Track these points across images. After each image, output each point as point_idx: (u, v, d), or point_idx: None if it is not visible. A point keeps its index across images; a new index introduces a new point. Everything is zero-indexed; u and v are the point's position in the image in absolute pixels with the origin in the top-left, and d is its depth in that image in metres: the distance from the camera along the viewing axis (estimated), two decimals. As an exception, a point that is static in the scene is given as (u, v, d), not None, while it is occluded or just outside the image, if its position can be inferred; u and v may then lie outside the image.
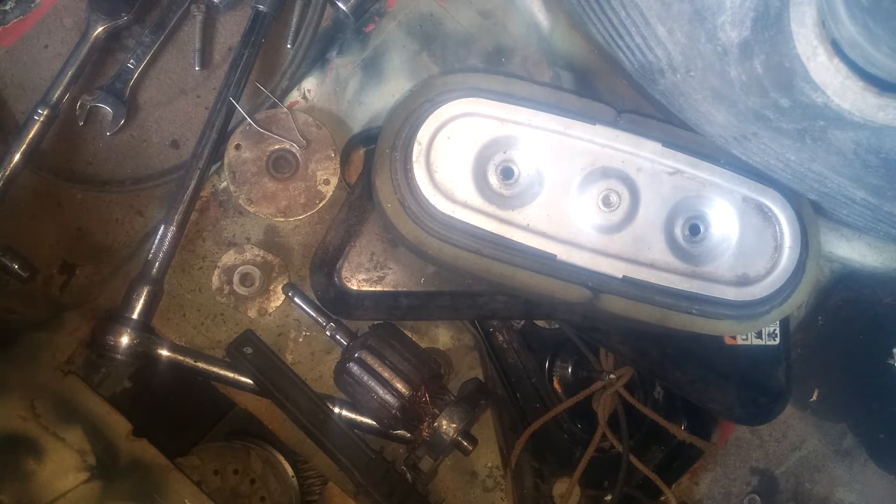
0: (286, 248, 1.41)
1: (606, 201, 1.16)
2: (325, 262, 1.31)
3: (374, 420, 1.36)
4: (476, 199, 1.15)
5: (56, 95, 1.26)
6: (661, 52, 1.02)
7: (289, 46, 1.36)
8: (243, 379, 1.36)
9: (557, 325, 1.46)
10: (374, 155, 1.20)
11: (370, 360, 1.28)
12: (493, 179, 1.17)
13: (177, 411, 1.65)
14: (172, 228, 1.27)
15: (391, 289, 1.31)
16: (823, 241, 1.31)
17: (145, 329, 1.29)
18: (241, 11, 1.38)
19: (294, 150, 1.36)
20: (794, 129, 0.94)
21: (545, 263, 1.15)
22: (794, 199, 1.20)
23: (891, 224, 1.12)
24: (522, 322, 1.44)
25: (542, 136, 1.16)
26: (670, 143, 1.18)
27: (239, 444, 1.61)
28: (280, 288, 1.39)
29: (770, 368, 1.39)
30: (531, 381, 1.45)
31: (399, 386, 1.27)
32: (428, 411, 1.29)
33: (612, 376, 1.40)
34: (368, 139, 1.41)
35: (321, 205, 1.38)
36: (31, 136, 1.25)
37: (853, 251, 1.43)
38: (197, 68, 1.37)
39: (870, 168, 0.94)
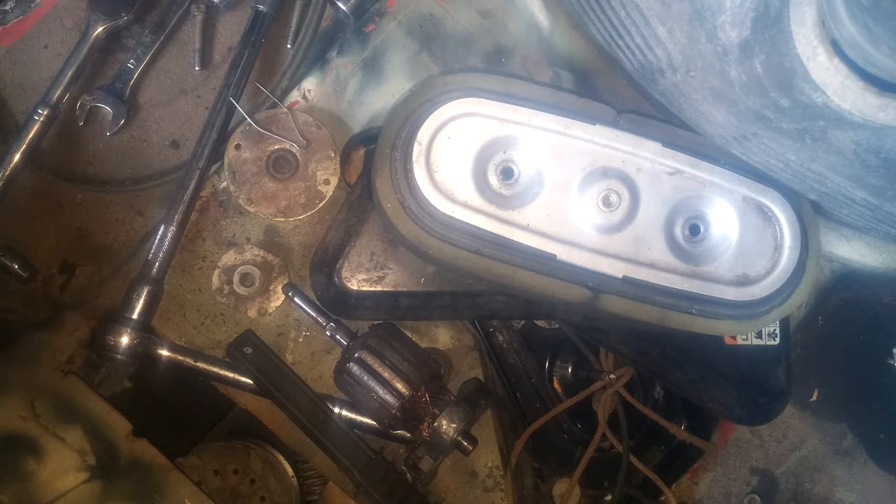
0: (286, 248, 1.41)
1: (606, 201, 1.16)
2: (325, 262, 1.31)
3: (374, 420, 1.36)
4: (476, 199, 1.15)
5: (56, 95, 1.26)
6: (661, 52, 1.02)
7: (289, 46, 1.36)
8: (243, 379, 1.36)
9: (557, 325, 1.46)
10: (374, 155, 1.20)
11: (370, 360, 1.28)
12: (493, 179, 1.17)
13: (177, 411, 1.65)
14: (172, 228, 1.27)
15: (391, 289, 1.31)
16: (823, 241, 1.31)
17: (145, 329, 1.29)
18: (241, 11, 1.38)
19: (294, 150, 1.36)
20: (794, 129, 0.94)
21: (545, 263, 1.15)
22: (794, 199, 1.20)
23: (891, 224, 1.12)
24: (522, 322, 1.44)
25: (542, 136, 1.16)
26: (670, 143, 1.18)
27: (239, 444, 1.61)
28: (280, 288, 1.39)
29: (770, 368, 1.39)
30: (531, 381, 1.45)
31: (399, 386, 1.27)
32: (428, 411, 1.29)
33: (612, 376, 1.40)
34: (368, 139, 1.41)
35: (321, 205, 1.38)
36: (31, 136, 1.25)
37: (853, 251, 1.43)
38: (197, 68, 1.37)
39: (870, 168, 0.94)
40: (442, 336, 1.47)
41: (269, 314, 1.41)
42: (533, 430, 1.40)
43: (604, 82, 1.37)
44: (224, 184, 1.38)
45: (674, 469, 1.51)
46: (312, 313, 1.36)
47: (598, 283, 1.16)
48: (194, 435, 1.73)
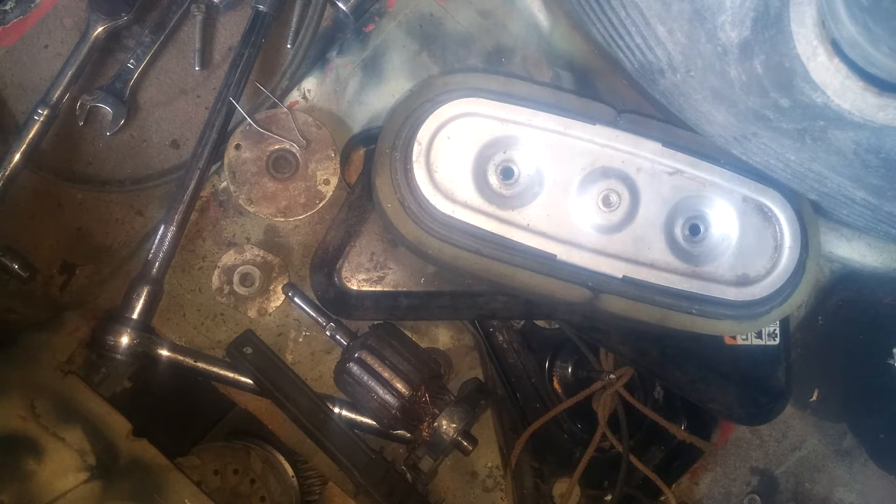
0: (286, 248, 1.41)
1: (606, 201, 1.16)
2: (325, 262, 1.31)
3: (374, 420, 1.36)
4: (476, 199, 1.15)
5: (56, 95, 1.26)
6: (661, 52, 1.02)
7: (289, 46, 1.36)
8: (243, 379, 1.36)
9: (557, 325, 1.46)
10: (374, 155, 1.20)
11: (370, 360, 1.28)
12: (493, 179, 1.17)
13: (177, 411, 1.65)
14: (172, 228, 1.27)
15: (391, 289, 1.31)
16: (823, 241, 1.31)
17: (145, 329, 1.29)
18: (241, 11, 1.38)
19: (294, 150, 1.36)
20: (794, 129, 0.94)
21: (545, 263, 1.15)
22: (794, 199, 1.20)
23: (891, 224, 1.12)
24: (522, 322, 1.44)
25: (542, 136, 1.16)
26: (670, 143, 1.18)
27: (239, 444, 1.61)
28: (280, 288, 1.39)
29: (770, 368, 1.39)
30: (531, 381, 1.45)
31: (399, 386, 1.27)
32: (428, 411, 1.29)
33: (612, 376, 1.40)
34: (368, 139, 1.41)
35: (321, 205, 1.38)
36: (31, 136, 1.25)
37: (853, 251, 1.43)
38: (197, 68, 1.37)
39: (870, 168, 0.94)
40: (442, 336, 1.47)
41: (269, 314, 1.41)
42: (533, 430, 1.40)
43: (604, 82, 1.37)
44: (224, 184, 1.38)
45: (674, 469, 1.51)
46: (312, 313, 1.36)
47: (598, 283, 1.16)
48: (194, 435, 1.73)
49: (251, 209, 1.36)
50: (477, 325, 1.43)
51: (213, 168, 1.36)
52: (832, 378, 1.52)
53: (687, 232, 1.20)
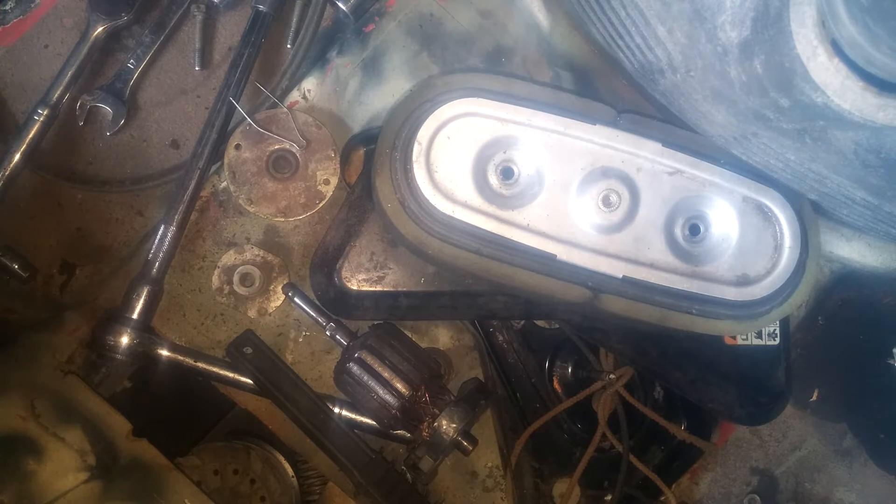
0: (286, 248, 1.41)
1: (606, 201, 1.16)
2: (325, 262, 1.31)
3: (374, 420, 1.36)
4: (476, 199, 1.15)
5: (56, 95, 1.26)
6: (661, 52, 1.02)
7: (289, 46, 1.36)
8: (243, 379, 1.36)
9: (557, 325, 1.46)
10: (374, 155, 1.20)
11: (370, 360, 1.28)
12: (493, 179, 1.17)
13: (177, 411, 1.65)
14: (172, 228, 1.27)
15: (391, 289, 1.31)
16: (823, 241, 1.31)
17: (145, 329, 1.29)
18: (241, 11, 1.38)
19: (294, 150, 1.36)
20: (794, 129, 0.94)
21: (545, 263, 1.15)
22: (794, 199, 1.20)
23: (891, 224, 1.12)
24: (522, 322, 1.44)
25: (542, 136, 1.16)
26: (670, 143, 1.18)
27: (239, 444, 1.61)
28: (280, 288, 1.39)
29: (770, 368, 1.39)
30: (531, 381, 1.45)
31: (399, 386, 1.27)
32: (428, 411, 1.29)
33: (612, 376, 1.40)
34: (368, 139, 1.41)
35: (321, 205, 1.38)
36: (31, 136, 1.25)
37: (853, 251, 1.43)
38: (197, 68, 1.37)
39: (870, 168, 0.94)
40: (442, 336, 1.47)
41: (269, 314, 1.41)
42: (533, 430, 1.40)
43: (604, 82, 1.37)
44: (224, 184, 1.38)
45: (674, 469, 1.51)
46: (312, 313, 1.36)
47: (598, 283, 1.16)
48: (194, 435, 1.73)
49: (251, 209, 1.36)
50: (477, 325, 1.43)
51: (213, 168, 1.36)
52: (832, 378, 1.52)
53: (687, 232, 1.20)
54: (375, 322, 1.38)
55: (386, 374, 1.27)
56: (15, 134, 1.26)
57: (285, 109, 1.36)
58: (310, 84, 1.40)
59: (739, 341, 1.39)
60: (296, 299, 1.37)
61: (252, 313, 1.40)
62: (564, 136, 1.16)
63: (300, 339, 1.43)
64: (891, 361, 1.39)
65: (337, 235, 1.32)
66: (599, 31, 1.15)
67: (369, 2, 1.38)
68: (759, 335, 1.39)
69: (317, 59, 1.39)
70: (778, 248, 1.20)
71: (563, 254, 1.15)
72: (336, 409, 1.38)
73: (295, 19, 1.35)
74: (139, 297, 1.27)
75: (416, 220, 1.14)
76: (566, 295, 1.16)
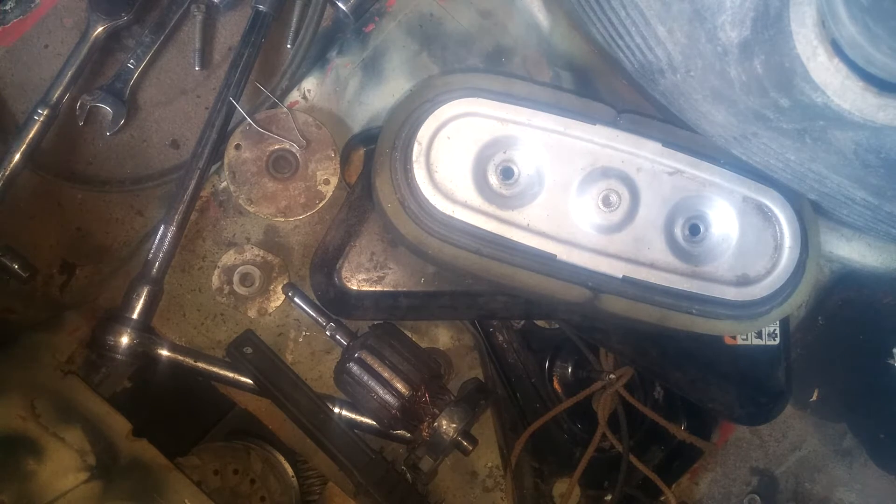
0: (286, 248, 1.41)
1: (606, 201, 1.16)
2: (325, 262, 1.31)
3: (374, 420, 1.36)
4: (476, 199, 1.15)
5: (56, 95, 1.26)
6: (661, 52, 1.02)
7: (289, 46, 1.36)
8: (243, 379, 1.36)
9: (557, 325, 1.46)
10: (374, 155, 1.20)
11: (370, 360, 1.28)
12: (493, 179, 1.17)
13: (177, 411, 1.65)
14: (172, 228, 1.27)
15: (391, 289, 1.31)
16: (823, 241, 1.31)
17: (145, 329, 1.29)
18: (241, 11, 1.38)
19: (294, 150, 1.36)
20: (794, 129, 0.94)
21: (545, 263, 1.15)
22: (794, 199, 1.20)
23: (891, 224, 1.12)
24: (522, 322, 1.44)
25: (542, 136, 1.16)
26: (670, 143, 1.18)
27: (239, 444, 1.61)
28: (280, 288, 1.39)
29: (770, 368, 1.39)
30: (531, 381, 1.45)
31: (399, 386, 1.27)
32: (428, 411, 1.29)
33: (612, 376, 1.40)
34: (368, 139, 1.41)
35: (321, 205, 1.38)
36: (31, 136, 1.25)
37: (853, 251, 1.43)
38: (197, 68, 1.37)
39: (870, 168, 0.94)
40: (442, 336, 1.47)
41: (269, 314, 1.41)
42: (533, 430, 1.40)
43: (604, 82, 1.37)
44: (224, 184, 1.38)
45: (674, 469, 1.51)
46: (312, 313, 1.36)
47: (598, 283, 1.16)
48: (194, 435, 1.73)
49: (251, 209, 1.36)
50: (477, 325, 1.43)
51: (213, 168, 1.36)
52: (832, 378, 1.52)
53: (687, 232, 1.20)
54: (375, 322, 1.38)
55: (386, 374, 1.27)
56: (15, 134, 1.26)
57: (285, 109, 1.36)
58: (310, 84, 1.40)
59: (739, 341, 1.39)
60: (296, 299, 1.37)
61: (252, 313, 1.40)
62: (564, 136, 1.16)
63: (300, 339, 1.43)
64: (891, 361, 1.39)
65: (337, 235, 1.32)
66: (599, 31, 1.15)
67: (369, 2, 1.38)
68: (759, 335, 1.39)
69: (317, 59, 1.39)
70: (778, 248, 1.20)
71: (563, 254, 1.15)
72: (336, 409, 1.38)
73: (295, 19, 1.35)
74: (139, 297, 1.27)
75: (416, 220, 1.14)
76: (566, 295, 1.16)
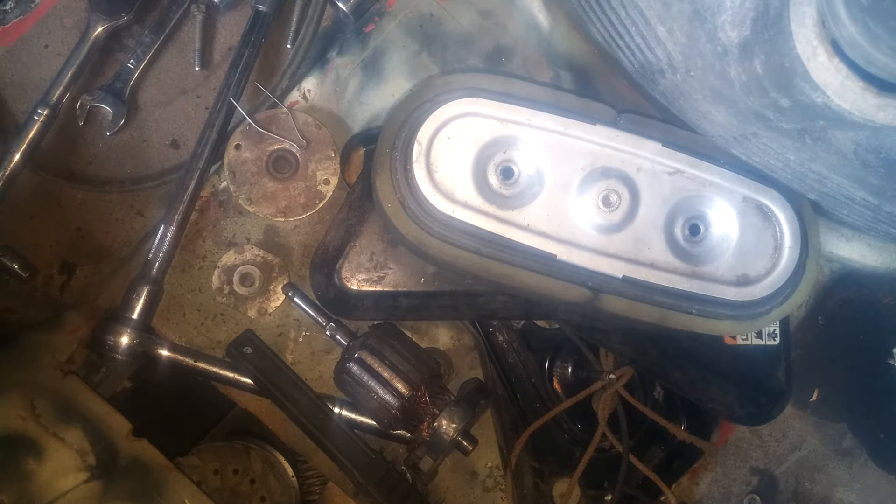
0: (286, 248, 1.41)
1: (606, 201, 1.16)
2: (325, 262, 1.31)
3: (374, 420, 1.36)
4: (476, 199, 1.15)
5: (56, 95, 1.26)
6: (661, 52, 1.02)
7: (289, 46, 1.36)
8: (243, 379, 1.36)
9: (557, 325, 1.46)
10: (374, 155, 1.20)
11: (370, 360, 1.28)
12: (493, 179, 1.17)
13: (177, 411, 1.65)
14: (172, 228, 1.27)
15: (391, 289, 1.31)
16: (823, 241, 1.31)
17: (145, 329, 1.29)
18: (241, 11, 1.38)
19: (294, 150, 1.36)
20: (794, 129, 0.94)
21: (545, 263, 1.15)
22: (794, 199, 1.20)
23: (891, 224, 1.12)
24: (522, 322, 1.44)
25: (542, 136, 1.16)
26: (670, 143, 1.18)
27: (239, 444, 1.61)
28: (280, 288, 1.39)
29: (770, 368, 1.39)
30: (531, 381, 1.45)
31: (399, 386, 1.27)
32: (428, 411, 1.29)
33: (612, 376, 1.40)
34: (368, 139, 1.41)
35: (321, 205, 1.38)
36: (31, 136, 1.25)
37: (853, 251, 1.43)
38: (197, 68, 1.37)
39: (870, 168, 0.94)
40: (442, 336, 1.47)
41: (269, 314, 1.41)
42: (533, 430, 1.40)
43: (604, 82, 1.37)
44: (224, 184, 1.38)
45: (674, 469, 1.51)
46: (312, 313, 1.36)
47: (598, 283, 1.16)
48: (194, 435, 1.73)
49: (251, 209, 1.36)
50: (477, 325, 1.43)
51: (213, 168, 1.36)
52: (832, 378, 1.52)
53: (687, 232, 1.20)
54: (375, 322, 1.38)
55: (386, 374, 1.27)
56: (15, 134, 1.26)
57: (285, 109, 1.36)
58: (310, 84, 1.40)
59: (739, 341, 1.38)
60: (296, 299, 1.37)
61: (252, 313, 1.40)
62: (564, 136, 1.16)
63: (300, 339, 1.43)
64: (891, 361, 1.39)
65: (337, 235, 1.32)
66: (599, 31, 1.15)
67: (369, 2, 1.38)
68: (759, 335, 1.39)
69: (317, 59, 1.39)
70: (778, 248, 1.20)
71: (563, 254, 1.15)
72: (336, 409, 1.38)
73: (295, 19, 1.35)
74: (139, 297, 1.27)
75: (416, 220, 1.14)
76: (566, 295, 1.16)
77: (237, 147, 1.35)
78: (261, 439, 1.64)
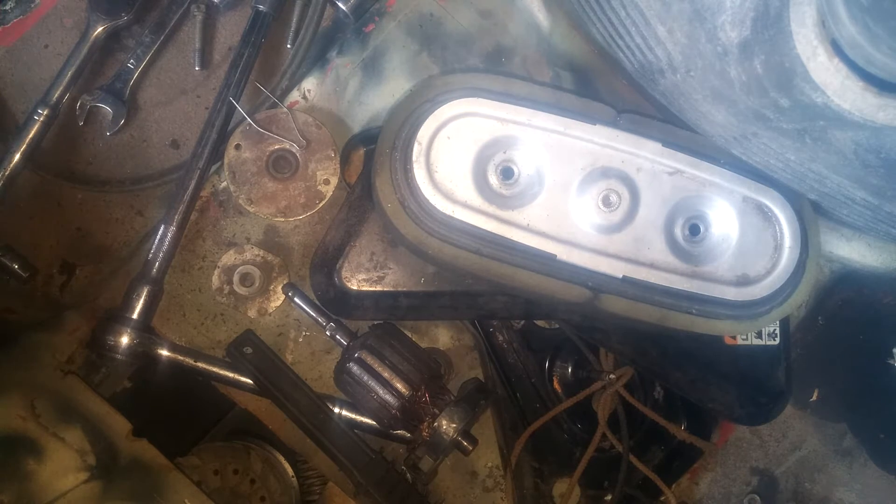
0: (286, 248, 1.41)
1: (606, 201, 1.16)
2: (325, 262, 1.31)
3: (374, 420, 1.36)
4: (476, 199, 1.15)
5: (56, 95, 1.26)
6: (661, 52, 1.02)
7: (289, 46, 1.36)
8: (243, 379, 1.36)
9: (557, 325, 1.46)
10: (374, 155, 1.20)
11: (370, 359, 1.28)
12: (493, 179, 1.17)
13: (177, 411, 1.65)
14: (172, 228, 1.27)
15: (391, 289, 1.31)
16: (823, 241, 1.31)
17: (145, 329, 1.29)
18: (241, 11, 1.38)
19: (294, 150, 1.36)
20: (794, 129, 0.94)
21: (545, 263, 1.15)
22: (794, 199, 1.20)
23: (891, 224, 1.12)
24: (522, 322, 1.44)
25: (542, 136, 1.16)
26: (670, 143, 1.18)
27: (239, 444, 1.61)
28: (280, 288, 1.39)
29: (770, 368, 1.39)
30: (531, 381, 1.45)
31: (399, 386, 1.27)
32: (428, 411, 1.29)
33: (612, 376, 1.40)
34: (368, 139, 1.41)
35: (321, 205, 1.38)
36: (31, 136, 1.25)
37: (853, 251, 1.43)
38: (197, 68, 1.37)
39: (870, 168, 0.94)
40: (442, 336, 1.47)
41: (269, 314, 1.41)
42: (533, 430, 1.40)
43: (604, 82, 1.37)
44: (224, 184, 1.38)
45: (674, 469, 1.51)
46: (312, 313, 1.36)
47: (598, 283, 1.16)
48: (194, 435, 1.73)
49: (251, 209, 1.36)
50: (477, 325, 1.43)
51: (213, 168, 1.36)
52: (832, 378, 1.52)
53: (687, 232, 1.20)
54: (375, 322, 1.38)
55: (386, 374, 1.27)
56: (15, 134, 1.26)
57: (285, 109, 1.36)
58: (310, 84, 1.40)
59: (739, 341, 1.38)
60: (296, 299, 1.37)
61: (252, 313, 1.40)
62: (564, 136, 1.16)
63: (300, 339, 1.43)
64: (891, 361, 1.38)
65: (337, 235, 1.32)
66: (599, 31, 1.15)
67: (369, 2, 1.38)
68: (759, 335, 1.39)
69: (317, 59, 1.39)
70: (778, 248, 1.20)
71: (563, 254, 1.15)
72: (336, 409, 1.38)
73: (295, 19, 1.35)
74: (139, 297, 1.27)
75: (416, 220, 1.14)
76: (566, 295, 1.16)
77: (237, 147, 1.35)
78: (261, 439, 1.64)
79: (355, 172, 1.44)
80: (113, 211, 1.37)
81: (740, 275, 1.19)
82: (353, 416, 1.39)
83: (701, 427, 1.49)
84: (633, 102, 1.32)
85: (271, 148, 1.36)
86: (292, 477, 1.62)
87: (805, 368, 1.48)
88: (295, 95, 1.40)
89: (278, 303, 1.40)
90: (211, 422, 1.78)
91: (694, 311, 1.19)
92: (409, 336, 1.40)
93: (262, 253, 1.39)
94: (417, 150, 1.14)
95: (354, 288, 1.31)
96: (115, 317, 1.28)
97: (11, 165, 1.24)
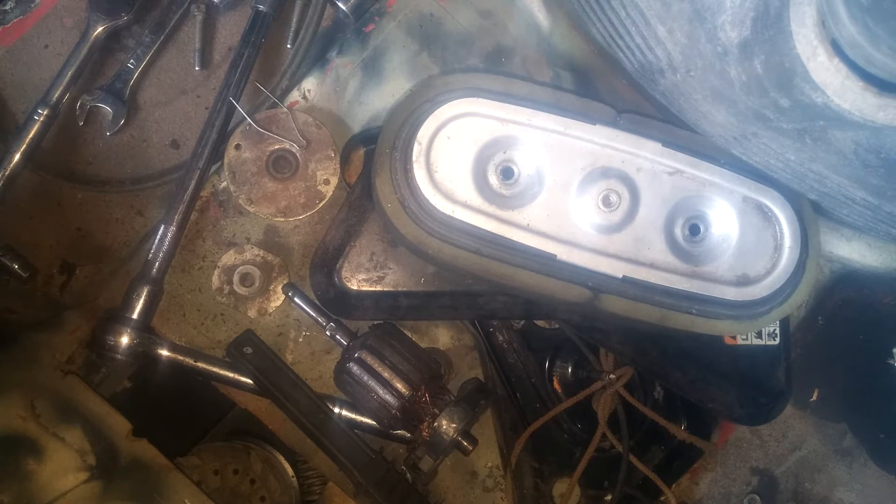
0: (286, 248, 1.41)
1: (606, 201, 1.16)
2: (325, 262, 1.31)
3: (374, 420, 1.36)
4: (476, 199, 1.15)
5: (56, 95, 1.26)
6: (661, 52, 1.02)
7: (289, 46, 1.36)
8: (243, 379, 1.36)
9: (557, 325, 1.46)
10: (374, 155, 1.20)
11: (370, 359, 1.28)
12: (493, 179, 1.17)
13: (177, 411, 1.65)
14: (172, 228, 1.27)
15: (391, 289, 1.31)
16: (823, 241, 1.31)
17: (145, 329, 1.29)
18: (241, 11, 1.38)
19: (294, 150, 1.36)
20: (794, 128, 0.94)
21: (545, 263, 1.15)
22: (794, 199, 1.20)
23: (891, 224, 1.12)
24: (522, 322, 1.44)
25: (542, 136, 1.16)
26: (670, 143, 1.18)
27: (239, 444, 1.61)
28: (280, 288, 1.39)
29: (770, 368, 1.39)
30: (531, 381, 1.45)
31: (399, 386, 1.27)
32: (428, 411, 1.29)
33: (612, 376, 1.40)
34: (368, 139, 1.41)
35: (321, 205, 1.38)
36: (31, 136, 1.25)
37: (853, 251, 1.43)
38: (197, 68, 1.37)
39: (870, 168, 0.94)
40: (442, 336, 1.47)
41: (269, 314, 1.40)
42: (533, 430, 1.40)
43: (604, 82, 1.37)
44: (224, 184, 1.38)
45: (674, 469, 1.51)
46: (312, 313, 1.36)
47: (598, 283, 1.16)
48: (194, 435, 1.73)
49: (251, 209, 1.36)
50: (477, 325, 1.43)
51: (213, 168, 1.36)
52: (832, 378, 1.52)
53: (687, 232, 1.20)
54: (375, 322, 1.38)
55: (386, 374, 1.27)
56: (15, 134, 1.26)
57: (285, 109, 1.36)
58: (310, 84, 1.40)
59: (739, 341, 1.39)
60: (296, 299, 1.37)
61: (252, 313, 1.40)
62: (564, 136, 1.16)
63: (300, 339, 1.43)
64: (891, 361, 1.38)
65: (337, 235, 1.32)
66: (599, 31, 1.15)
67: (369, 2, 1.38)
68: (759, 335, 1.39)
69: (317, 59, 1.39)
70: (778, 248, 1.20)
71: (563, 254, 1.15)
72: (336, 409, 1.38)
73: (295, 19, 1.35)
74: (139, 297, 1.27)
75: (416, 220, 1.14)
76: (566, 295, 1.16)
77: (237, 147, 1.35)
78: (261, 439, 1.65)
79: (355, 172, 1.44)
80: (113, 211, 1.37)
81: (740, 275, 1.19)
82: (353, 416, 1.39)
83: (701, 427, 1.49)
84: (633, 102, 1.32)
85: (271, 148, 1.36)
86: (292, 477, 1.62)
87: (805, 368, 1.48)
88: (295, 95, 1.40)
89: (278, 303, 1.40)
90: (211, 422, 1.78)
91: (694, 311, 1.19)
92: (409, 336, 1.40)
93: (262, 253, 1.39)
94: (417, 150, 1.14)
95: (354, 288, 1.31)
96: (115, 317, 1.28)
97: (11, 165, 1.24)
